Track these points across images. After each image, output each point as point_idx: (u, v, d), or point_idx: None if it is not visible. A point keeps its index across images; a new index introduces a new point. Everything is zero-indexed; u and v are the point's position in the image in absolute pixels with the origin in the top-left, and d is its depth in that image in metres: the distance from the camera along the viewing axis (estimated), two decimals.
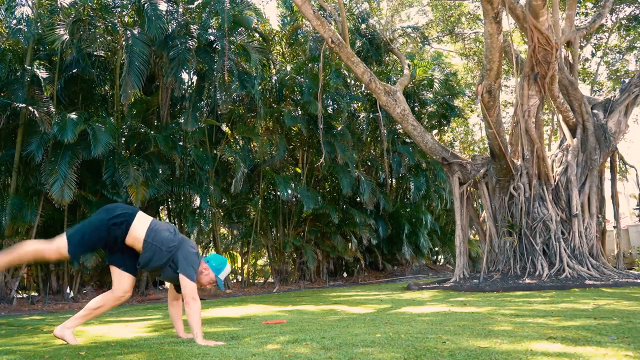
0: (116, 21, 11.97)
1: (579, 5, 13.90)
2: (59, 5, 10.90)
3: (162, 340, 3.64)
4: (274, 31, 16.41)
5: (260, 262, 18.15)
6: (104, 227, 3.37)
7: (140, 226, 3.44)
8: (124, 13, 12.73)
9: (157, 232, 3.45)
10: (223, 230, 16.70)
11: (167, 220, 15.64)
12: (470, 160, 10.99)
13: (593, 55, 16.52)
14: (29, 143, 9.91)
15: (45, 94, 10.50)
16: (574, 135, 10.70)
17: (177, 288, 3.70)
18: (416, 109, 17.01)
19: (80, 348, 3.44)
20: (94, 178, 11.38)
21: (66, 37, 10.14)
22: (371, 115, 16.26)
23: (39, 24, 10.96)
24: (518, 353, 2.64)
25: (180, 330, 3.78)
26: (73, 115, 9.94)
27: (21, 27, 10.65)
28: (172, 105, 13.61)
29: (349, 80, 16.37)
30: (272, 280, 15.21)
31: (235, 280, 16.07)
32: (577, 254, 9.48)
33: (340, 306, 6.56)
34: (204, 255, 4.60)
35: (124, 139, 11.83)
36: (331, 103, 15.80)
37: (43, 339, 4.27)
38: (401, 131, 16.44)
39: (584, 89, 15.49)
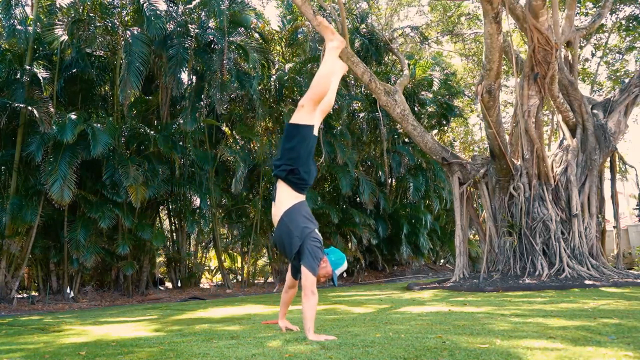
0: (115, 21, 11.97)
1: (579, 5, 13.88)
2: (58, 6, 10.90)
3: (162, 340, 3.64)
4: (274, 31, 16.39)
5: (260, 262, 18.11)
6: None
7: (281, 201, 3.56)
8: (123, 13, 12.72)
9: (294, 214, 3.48)
10: (223, 230, 16.69)
11: (167, 220, 15.64)
12: (470, 160, 10.98)
13: (593, 55, 16.50)
14: (29, 143, 9.90)
15: (45, 94, 10.49)
16: (573, 135, 10.69)
17: (294, 273, 3.65)
18: (416, 109, 16.97)
19: (80, 348, 3.45)
20: (93, 178, 11.38)
21: (65, 37, 10.12)
22: (371, 115, 16.25)
23: (38, 24, 10.95)
24: (518, 353, 2.64)
25: (282, 315, 3.84)
26: (73, 115, 9.93)
27: (20, 27, 10.65)
28: (172, 105, 13.60)
29: (348, 80, 16.35)
30: (272, 280, 15.20)
31: (235, 280, 16.06)
32: (577, 254, 9.47)
33: (340, 306, 6.55)
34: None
35: (123, 139, 11.82)
36: None
37: (43, 339, 4.27)
38: (401, 131, 16.42)
39: (584, 89, 15.48)
